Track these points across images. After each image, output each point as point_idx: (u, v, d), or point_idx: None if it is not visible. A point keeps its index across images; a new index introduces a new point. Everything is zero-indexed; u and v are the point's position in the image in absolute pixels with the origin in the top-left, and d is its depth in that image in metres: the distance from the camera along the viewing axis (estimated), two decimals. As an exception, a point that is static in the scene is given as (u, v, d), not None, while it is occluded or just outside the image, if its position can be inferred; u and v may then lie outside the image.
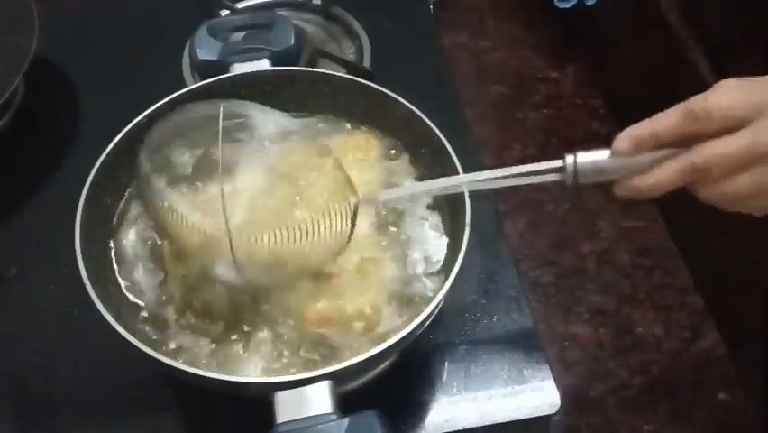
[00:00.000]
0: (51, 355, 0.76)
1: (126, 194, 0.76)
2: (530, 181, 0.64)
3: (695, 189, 0.61)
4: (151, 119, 0.75)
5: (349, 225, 0.65)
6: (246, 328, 0.68)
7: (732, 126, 0.58)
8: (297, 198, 0.68)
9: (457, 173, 0.70)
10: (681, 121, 0.59)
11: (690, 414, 0.87)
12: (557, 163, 0.63)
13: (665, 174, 0.60)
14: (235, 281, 0.65)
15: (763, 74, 0.60)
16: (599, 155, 0.62)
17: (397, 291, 0.69)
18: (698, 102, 0.59)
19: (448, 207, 0.74)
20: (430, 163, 0.76)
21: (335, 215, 0.64)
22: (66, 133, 0.95)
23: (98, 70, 1.00)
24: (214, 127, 0.64)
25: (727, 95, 0.59)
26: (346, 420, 0.57)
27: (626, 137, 0.61)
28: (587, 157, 0.62)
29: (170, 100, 0.76)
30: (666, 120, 0.60)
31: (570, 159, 0.62)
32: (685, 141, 0.59)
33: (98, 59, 1.01)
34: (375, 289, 0.68)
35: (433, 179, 0.73)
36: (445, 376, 0.74)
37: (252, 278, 0.65)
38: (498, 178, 0.64)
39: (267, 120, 0.69)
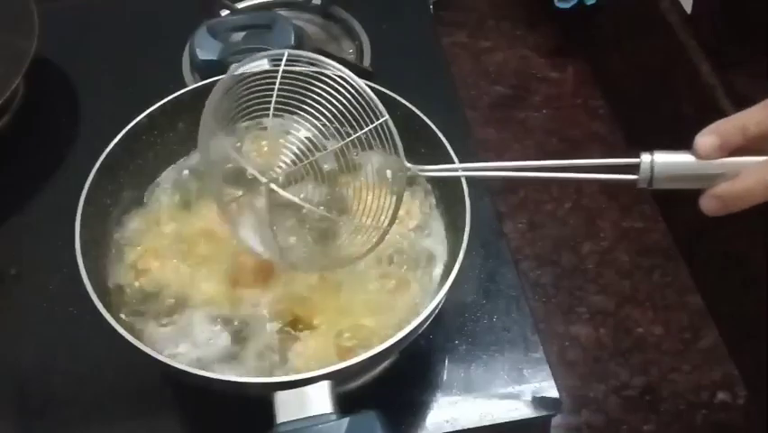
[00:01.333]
0: (51, 355, 0.76)
1: (126, 194, 0.76)
2: (598, 178, 0.56)
3: None
4: (151, 119, 0.75)
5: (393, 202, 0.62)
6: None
7: None
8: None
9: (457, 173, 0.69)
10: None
11: (690, 414, 0.87)
12: (631, 161, 0.55)
13: (758, 177, 0.52)
14: (271, 256, 0.64)
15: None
16: (682, 157, 0.54)
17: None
18: None
19: (448, 206, 0.74)
20: (430, 164, 0.76)
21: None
22: (66, 133, 0.95)
23: (98, 70, 0.99)
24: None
25: None
26: (346, 420, 0.57)
27: (711, 131, 0.53)
28: (666, 157, 0.54)
29: (170, 100, 0.76)
30: (754, 113, 0.53)
31: (646, 158, 0.54)
32: None
33: (98, 59, 1.01)
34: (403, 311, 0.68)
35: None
36: (445, 376, 0.74)
37: (292, 254, 0.63)
38: (563, 168, 0.57)
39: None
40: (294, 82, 0.62)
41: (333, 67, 0.61)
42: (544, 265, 0.98)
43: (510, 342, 0.76)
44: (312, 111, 0.62)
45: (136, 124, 0.74)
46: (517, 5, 1.25)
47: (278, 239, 0.62)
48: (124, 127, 0.74)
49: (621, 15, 1.14)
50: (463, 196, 0.68)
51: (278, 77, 0.61)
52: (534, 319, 0.78)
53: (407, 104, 0.75)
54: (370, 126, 0.60)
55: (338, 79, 0.61)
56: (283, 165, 0.62)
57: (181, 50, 0.96)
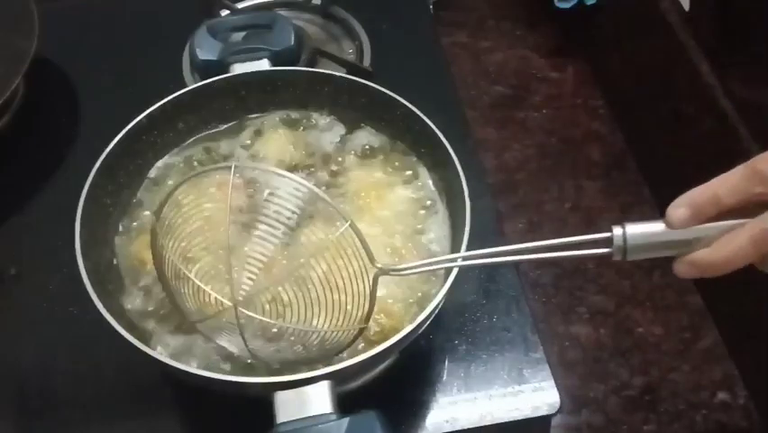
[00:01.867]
0: (51, 355, 0.76)
1: (126, 194, 0.76)
2: (576, 255, 0.56)
3: (766, 266, 0.53)
4: (151, 119, 0.75)
5: (367, 301, 0.61)
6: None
7: None
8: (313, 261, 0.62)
9: (457, 173, 0.69)
10: (744, 181, 0.51)
11: (690, 414, 0.87)
12: (602, 235, 0.54)
13: (736, 245, 0.51)
14: (241, 354, 0.64)
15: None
16: (654, 227, 0.53)
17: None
18: (763, 162, 0.51)
19: (448, 207, 0.74)
20: (430, 163, 0.76)
21: (354, 279, 0.59)
22: (66, 133, 0.95)
23: (98, 70, 0.99)
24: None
25: None
26: (346, 420, 0.57)
27: (683, 203, 0.52)
28: (638, 229, 0.53)
29: (170, 100, 0.77)
30: (728, 181, 0.52)
31: (618, 231, 0.54)
32: (748, 208, 0.52)
33: (98, 59, 1.01)
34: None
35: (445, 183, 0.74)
36: (445, 376, 0.74)
37: (261, 355, 0.63)
38: (533, 250, 0.57)
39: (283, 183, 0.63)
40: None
41: (288, 177, 0.59)
42: (544, 265, 0.98)
43: (510, 342, 0.76)
44: (272, 219, 0.61)
45: (136, 124, 0.74)
46: (517, 5, 1.25)
47: (250, 347, 0.62)
48: (124, 127, 0.74)
49: (621, 15, 1.14)
50: (463, 196, 0.68)
51: (229, 191, 0.59)
52: (534, 319, 0.78)
53: (407, 104, 0.75)
54: (336, 234, 0.58)
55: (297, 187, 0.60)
56: (248, 282, 0.61)
57: (181, 50, 0.96)
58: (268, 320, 0.61)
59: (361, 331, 0.63)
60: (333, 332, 0.61)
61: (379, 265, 0.59)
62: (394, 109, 0.76)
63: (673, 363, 0.91)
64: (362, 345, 0.66)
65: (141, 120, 0.75)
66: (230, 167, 0.59)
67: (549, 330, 0.91)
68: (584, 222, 1.02)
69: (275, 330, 0.64)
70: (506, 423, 0.72)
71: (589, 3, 1.14)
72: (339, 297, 0.60)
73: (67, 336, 0.77)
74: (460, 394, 0.73)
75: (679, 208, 0.52)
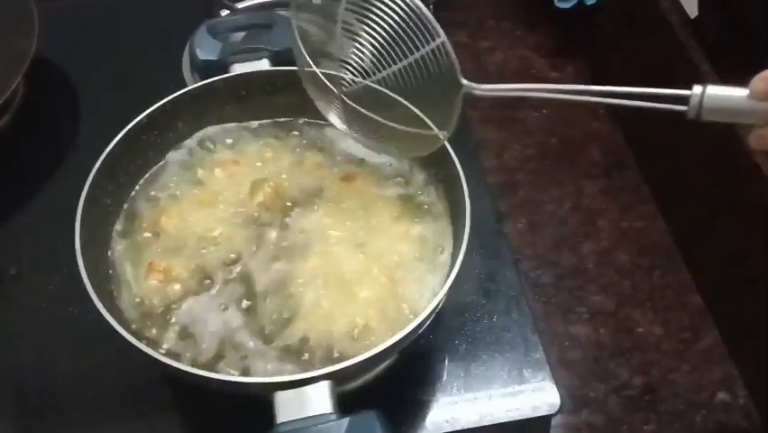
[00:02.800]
0: (51, 355, 0.76)
1: (126, 194, 0.76)
2: (649, 105, 0.58)
3: None
4: (151, 119, 0.75)
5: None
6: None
7: None
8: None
9: (457, 173, 0.69)
10: None
11: (690, 414, 0.87)
12: (682, 92, 0.56)
13: None
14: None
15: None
16: (732, 92, 0.55)
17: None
18: None
19: (448, 206, 0.74)
20: (430, 163, 0.76)
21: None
22: (66, 133, 0.95)
23: (98, 70, 0.99)
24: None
25: None
26: (346, 420, 0.57)
27: (765, 77, 0.54)
28: (717, 91, 0.56)
29: (170, 100, 0.77)
30: None
31: (697, 89, 0.56)
32: None
33: (98, 59, 1.01)
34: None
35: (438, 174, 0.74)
36: (445, 376, 0.74)
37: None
38: (615, 94, 0.59)
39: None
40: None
41: None
42: (543, 265, 0.98)
43: (510, 342, 0.76)
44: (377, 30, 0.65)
45: (136, 124, 0.74)
46: (517, 5, 1.25)
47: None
48: (124, 127, 0.74)
49: (621, 15, 1.14)
50: (463, 195, 0.68)
51: None
52: (534, 319, 0.78)
53: (407, 104, 0.75)
54: (426, 49, 0.64)
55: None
56: (354, 71, 0.68)
57: (181, 50, 0.96)
58: (365, 112, 0.69)
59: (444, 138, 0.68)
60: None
61: (464, 82, 0.64)
62: (394, 109, 0.76)
63: (673, 363, 0.91)
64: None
65: (141, 120, 0.75)
66: None
67: (549, 330, 0.91)
68: (584, 222, 1.02)
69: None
70: (506, 423, 0.72)
71: (589, 3, 1.14)
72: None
73: (67, 336, 0.77)
74: (460, 394, 0.73)
75: (761, 81, 0.53)
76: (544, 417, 0.73)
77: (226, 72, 0.80)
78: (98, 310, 0.62)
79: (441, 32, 0.63)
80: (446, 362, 0.75)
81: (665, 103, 0.57)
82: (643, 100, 0.58)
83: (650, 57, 1.09)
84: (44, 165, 0.91)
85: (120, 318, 0.66)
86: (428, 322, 0.64)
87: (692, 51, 0.98)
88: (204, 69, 0.83)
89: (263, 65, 0.81)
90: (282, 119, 0.82)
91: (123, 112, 0.75)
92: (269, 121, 0.82)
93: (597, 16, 1.17)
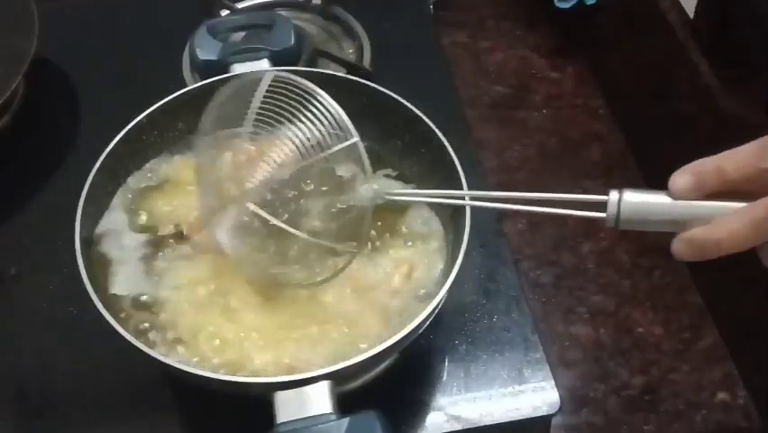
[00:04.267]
0: (51, 355, 0.76)
1: (126, 194, 0.76)
2: (568, 213, 0.54)
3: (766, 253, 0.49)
4: (151, 119, 0.75)
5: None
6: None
7: None
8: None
9: (457, 173, 0.69)
10: (754, 156, 0.48)
11: (690, 414, 0.87)
12: (600, 198, 0.52)
13: (735, 226, 0.48)
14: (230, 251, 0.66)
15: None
16: (653, 197, 0.51)
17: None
18: None
19: (448, 206, 0.74)
20: (430, 163, 0.76)
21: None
22: (66, 133, 0.95)
23: (98, 70, 0.99)
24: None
25: None
26: (346, 420, 0.57)
27: (687, 170, 0.50)
28: (636, 196, 0.51)
29: (170, 100, 0.76)
30: (737, 155, 0.49)
31: (614, 195, 0.51)
32: (755, 188, 0.48)
33: (98, 59, 1.01)
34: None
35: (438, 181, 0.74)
36: (445, 376, 0.74)
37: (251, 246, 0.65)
38: (534, 201, 0.56)
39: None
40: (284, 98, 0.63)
41: (313, 90, 0.62)
42: (543, 265, 0.98)
43: (510, 342, 0.76)
44: (293, 129, 0.62)
45: (136, 124, 0.74)
46: (517, 5, 1.25)
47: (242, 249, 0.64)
48: (124, 127, 0.74)
49: (621, 15, 1.14)
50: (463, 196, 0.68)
51: (260, 95, 0.63)
52: (534, 319, 0.78)
53: (407, 104, 0.75)
54: (339, 146, 0.61)
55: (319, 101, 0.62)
56: (257, 181, 0.63)
57: (181, 50, 0.96)
58: (264, 214, 0.62)
59: (353, 257, 0.64)
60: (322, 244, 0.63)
61: (375, 187, 0.61)
62: (394, 109, 0.76)
63: (673, 364, 0.91)
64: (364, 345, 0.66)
65: (141, 120, 0.75)
66: (268, 71, 0.64)
67: (549, 330, 0.91)
68: (584, 221, 1.02)
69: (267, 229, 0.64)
70: (506, 423, 0.72)
71: (589, 3, 1.14)
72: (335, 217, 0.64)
73: (67, 336, 0.77)
74: (460, 394, 0.73)
75: (682, 176, 0.50)
76: (543, 417, 0.73)
77: (226, 72, 0.80)
78: (98, 310, 0.62)
79: (354, 131, 0.61)
80: (446, 362, 0.75)
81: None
82: (558, 207, 0.54)
83: (650, 57, 1.09)
84: (44, 165, 0.91)
85: (120, 318, 0.66)
86: (428, 322, 0.64)
87: (692, 51, 0.98)
88: (204, 69, 0.83)
89: (263, 65, 0.81)
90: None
91: (123, 112, 0.75)
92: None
93: (597, 16, 1.17)
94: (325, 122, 0.61)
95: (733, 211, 0.48)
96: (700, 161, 0.50)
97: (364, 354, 0.61)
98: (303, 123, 0.62)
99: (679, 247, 0.50)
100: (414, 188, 0.75)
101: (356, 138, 0.61)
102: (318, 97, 0.62)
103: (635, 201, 0.51)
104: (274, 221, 0.62)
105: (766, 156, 0.48)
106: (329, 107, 0.61)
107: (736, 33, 0.92)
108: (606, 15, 1.16)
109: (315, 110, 0.62)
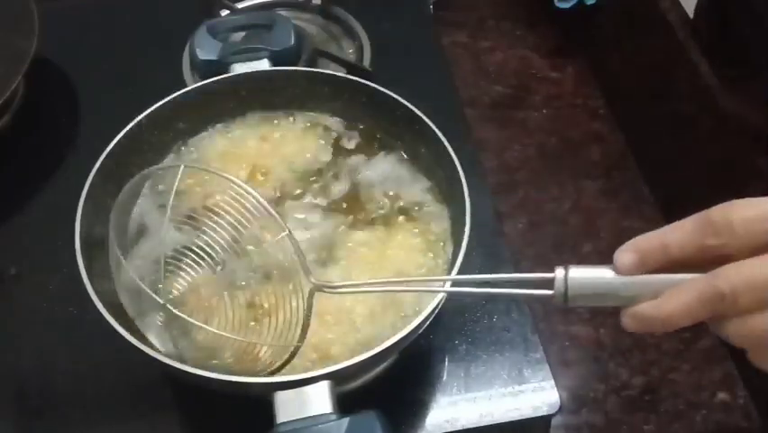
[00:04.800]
0: (51, 355, 0.76)
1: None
2: (517, 293, 0.54)
3: (717, 327, 0.48)
4: (151, 119, 0.75)
5: (301, 317, 0.60)
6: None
7: (758, 245, 0.46)
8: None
9: (457, 173, 0.69)
10: (697, 233, 0.48)
11: (690, 414, 0.87)
12: (544, 276, 0.52)
13: (682, 301, 0.48)
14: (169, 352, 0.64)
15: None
16: (599, 272, 0.50)
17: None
18: (718, 211, 0.48)
19: (448, 206, 0.74)
20: (430, 163, 0.76)
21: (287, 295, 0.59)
22: (66, 133, 0.95)
23: (98, 70, 0.99)
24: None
25: (753, 206, 0.47)
26: (346, 420, 0.57)
27: (630, 248, 0.50)
28: (582, 272, 0.50)
29: (170, 100, 0.76)
30: (679, 231, 0.49)
31: (560, 273, 0.51)
32: (700, 261, 0.48)
33: (98, 59, 1.01)
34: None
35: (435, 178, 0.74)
36: (445, 376, 0.74)
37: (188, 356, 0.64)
38: (483, 283, 0.55)
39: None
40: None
41: (232, 181, 0.59)
42: (543, 265, 0.98)
43: (510, 342, 0.76)
44: (215, 221, 0.60)
45: (136, 124, 0.74)
46: (517, 5, 1.25)
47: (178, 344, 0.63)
48: (124, 127, 0.74)
49: (621, 15, 1.14)
50: (463, 195, 0.68)
51: (173, 192, 0.60)
52: (534, 319, 0.78)
53: (407, 104, 0.75)
54: (271, 241, 0.59)
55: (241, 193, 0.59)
56: (182, 281, 0.62)
57: (181, 50, 0.96)
58: (193, 321, 0.60)
59: (296, 349, 0.61)
60: (263, 345, 0.60)
61: (313, 280, 0.58)
62: (394, 109, 0.76)
63: (673, 363, 0.91)
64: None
65: (141, 120, 0.75)
66: (179, 166, 0.61)
67: (549, 330, 0.91)
68: (584, 222, 1.02)
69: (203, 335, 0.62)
70: (506, 423, 0.72)
71: (589, 3, 1.14)
72: (273, 311, 0.60)
73: (67, 336, 0.77)
74: (460, 394, 0.73)
75: (625, 253, 0.50)
76: (544, 417, 0.73)
77: (226, 72, 0.80)
78: (98, 310, 0.62)
79: (285, 226, 0.58)
80: (446, 362, 0.75)
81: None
82: (507, 287, 0.54)
83: (650, 57, 1.09)
84: (44, 165, 0.91)
85: (120, 318, 0.66)
86: (428, 322, 0.64)
87: (692, 51, 0.98)
88: (204, 68, 0.83)
89: (263, 65, 0.81)
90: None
91: (123, 112, 0.75)
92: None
93: (597, 16, 1.17)
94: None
95: (678, 287, 0.48)
96: (644, 237, 0.50)
97: (364, 355, 0.61)
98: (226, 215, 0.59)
99: (626, 322, 0.50)
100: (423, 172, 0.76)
101: (286, 231, 0.58)
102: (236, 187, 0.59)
103: (582, 277, 0.50)
104: (207, 328, 0.60)
105: (708, 232, 0.48)
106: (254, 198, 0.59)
107: (735, 33, 0.92)
108: (606, 15, 1.16)
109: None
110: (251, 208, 0.59)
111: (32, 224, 0.86)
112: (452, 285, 0.61)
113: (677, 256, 0.49)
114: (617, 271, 0.50)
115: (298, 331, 0.60)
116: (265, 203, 0.59)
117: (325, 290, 0.59)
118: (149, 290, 0.60)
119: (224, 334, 0.60)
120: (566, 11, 1.16)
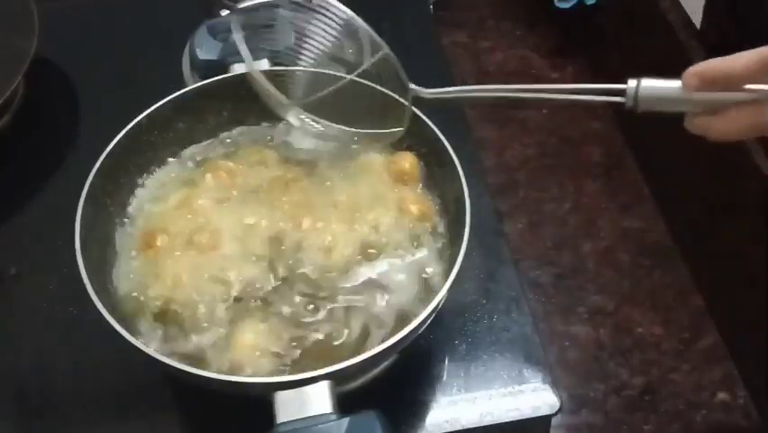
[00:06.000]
0: (51, 355, 0.76)
1: (126, 194, 0.76)
2: (587, 99, 0.60)
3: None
4: (151, 119, 0.75)
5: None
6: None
7: None
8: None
9: (457, 173, 0.69)
10: (757, 68, 0.54)
11: (690, 414, 0.87)
12: (619, 86, 0.59)
13: (736, 125, 0.55)
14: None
15: None
16: (666, 84, 0.58)
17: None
18: None
19: (448, 206, 0.74)
20: (430, 163, 0.76)
21: None
22: (66, 133, 0.95)
23: (98, 70, 0.99)
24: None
25: None
26: (346, 420, 0.57)
27: (695, 74, 0.56)
28: (652, 84, 0.58)
29: (170, 100, 0.76)
30: (742, 64, 0.54)
31: (632, 83, 0.58)
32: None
33: (98, 59, 1.01)
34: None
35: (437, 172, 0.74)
36: (445, 376, 0.74)
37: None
38: (553, 91, 0.63)
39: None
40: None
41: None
42: (543, 265, 0.98)
43: (510, 342, 0.76)
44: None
45: (136, 124, 0.74)
46: (517, 5, 1.25)
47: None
48: (124, 127, 0.74)
49: (621, 15, 1.14)
50: (463, 195, 0.68)
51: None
52: (534, 319, 0.78)
53: (407, 104, 0.75)
54: (372, 59, 0.67)
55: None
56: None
57: (181, 50, 0.96)
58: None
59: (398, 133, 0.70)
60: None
61: (413, 86, 0.67)
62: (394, 109, 0.76)
63: (673, 363, 0.91)
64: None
65: (141, 120, 0.75)
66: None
67: (549, 330, 0.92)
68: (584, 221, 1.02)
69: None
70: (506, 423, 0.72)
71: (589, 3, 1.14)
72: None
73: (67, 336, 0.77)
74: (460, 394, 0.73)
75: (690, 78, 0.55)
76: (543, 417, 0.73)
77: (226, 72, 0.80)
78: (98, 310, 0.63)
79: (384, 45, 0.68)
80: (446, 362, 0.75)
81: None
82: (577, 95, 0.61)
83: (650, 57, 1.09)
84: (44, 165, 0.91)
85: (120, 318, 0.66)
86: (428, 322, 0.64)
87: (692, 51, 0.98)
88: (204, 69, 0.83)
89: (263, 65, 0.81)
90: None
91: (123, 112, 0.75)
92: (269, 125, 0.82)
93: (597, 16, 1.17)
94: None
95: (737, 106, 0.55)
96: (708, 63, 0.55)
97: (364, 354, 0.61)
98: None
99: (688, 125, 0.57)
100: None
101: (386, 49, 0.67)
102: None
103: (652, 86, 0.58)
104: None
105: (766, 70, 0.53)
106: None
107: (748, 33, 0.92)
108: (606, 15, 1.17)
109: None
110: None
111: (32, 224, 0.86)
112: (534, 92, 0.65)
113: (739, 81, 0.54)
114: (685, 89, 0.56)
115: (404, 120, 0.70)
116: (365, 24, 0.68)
117: (422, 95, 0.68)
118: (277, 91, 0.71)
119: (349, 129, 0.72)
120: (566, 11, 1.16)
